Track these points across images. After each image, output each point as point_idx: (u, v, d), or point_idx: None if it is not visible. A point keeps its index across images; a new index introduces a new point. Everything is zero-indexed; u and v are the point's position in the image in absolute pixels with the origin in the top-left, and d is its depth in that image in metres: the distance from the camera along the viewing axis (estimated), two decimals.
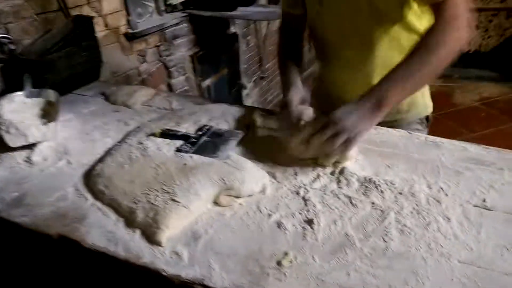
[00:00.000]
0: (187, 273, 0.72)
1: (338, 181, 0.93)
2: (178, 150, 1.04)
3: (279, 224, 0.82)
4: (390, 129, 1.11)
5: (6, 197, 0.95)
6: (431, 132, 1.25)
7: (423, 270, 0.69)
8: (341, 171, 0.95)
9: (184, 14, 2.41)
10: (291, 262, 0.73)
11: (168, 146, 1.06)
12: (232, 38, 2.96)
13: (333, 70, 1.32)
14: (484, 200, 0.83)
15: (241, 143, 1.10)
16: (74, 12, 1.78)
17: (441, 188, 0.88)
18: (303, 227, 0.81)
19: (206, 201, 0.88)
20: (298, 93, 1.14)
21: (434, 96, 1.29)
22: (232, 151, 1.05)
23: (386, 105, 0.93)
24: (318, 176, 0.96)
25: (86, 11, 1.85)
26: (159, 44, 2.29)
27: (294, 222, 0.82)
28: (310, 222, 0.82)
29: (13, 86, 1.35)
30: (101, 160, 1.05)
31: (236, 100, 3.08)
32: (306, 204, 0.87)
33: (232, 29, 2.96)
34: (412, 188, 0.88)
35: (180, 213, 0.83)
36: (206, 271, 0.72)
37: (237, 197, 0.90)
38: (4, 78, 1.52)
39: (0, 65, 1.51)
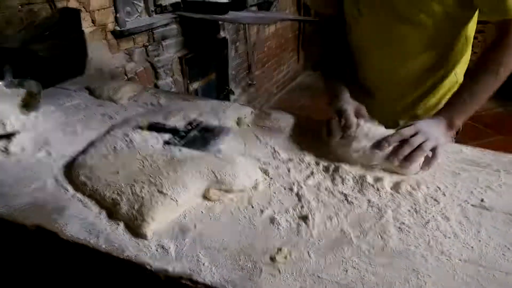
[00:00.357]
0: (174, 267, 0.67)
1: (333, 179, 0.90)
2: (166, 143, 0.99)
3: (272, 220, 0.78)
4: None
5: None
6: None
7: (424, 268, 0.66)
8: (336, 169, 0.92)
9: (174, 16, 2.37)
10: (285, 258, 0.69)
11: (155, 139, 1.01)
12: (221, 43, 2.94)
13: (366, 78, 1.29)
14: (482, 200, 0.81)
15: (232, 138, 1.06)
16: (61, 6, 1.73)
17: (439, 188, 0.85)
18: (297, 223, 0.77)
19: (195, 195, 0.83)
20: (351, 103, 1.05)
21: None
22: (223, 146, 1.01)
23: (456, 125, 0.96)
24: (312, 173, 0.92)
25: (73, 5, 1.80)
26: (147, 44, 2.24)
27: (288, 218, 0.78)
28: (304, 218, 0.78)
29: None
30: (83, 151, 1.00)
31: None
32: (300, 200, 0.83)
33: (222, 34, 2.94)
34: (409, 187, 0.85)
35: (167, 206, 0.79)
36: (194, 266, 0.67)
37: (228, 192, 0.86)
38: None
39: None
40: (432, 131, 0.90)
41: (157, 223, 0.76)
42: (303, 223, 0.77)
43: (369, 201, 0.82)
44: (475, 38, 1.26)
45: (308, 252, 0.70)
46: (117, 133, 1.04)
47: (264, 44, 3.73)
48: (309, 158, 0.98)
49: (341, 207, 0.81)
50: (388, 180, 0.87)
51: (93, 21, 1.92)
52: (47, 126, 1.15)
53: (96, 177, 0.87)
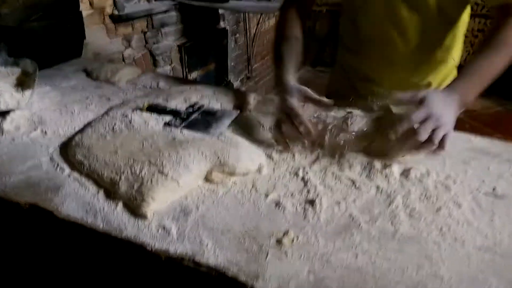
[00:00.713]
0: (176, 248, 0.64)
1: (340, 164, 0.87)
2: (167, 124, 0.96)
3: (277, 204, 0.75)
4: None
5: None
6: None
7: (437, 255, 0.63)
8: (342, 155, 0.89)
9: (174, 2, 2.33)
10: (292, 241, 0.66)
11: (155, 121, 0.98)
12: (221, 33, 2.89)
13: (368, 64, 1.26)
14: (494, 189, 0.79)
15: (234, 123, 1.03)
16: None
17: (449, 176, 0.83)
18: (303, 208, 0.74)
19: (197, 176, 0.80)
20: (295, 92, 0.97)
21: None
22: (226, 129, 0.98)
23: (469, 100, 0.89)
24: (318, 158, 0.89)
25: None
26: (146, 30, 2.20)
27: (294, 202, 0.75)
28: (311, 202, 0.75)
29: None
30: (80, 131, 0.96)
31: None
32: (306, 185, 0.80)
33: (222, 24, 2.90)
34: (419, 174, 0.83)
35: (168, 186, 0.75)
36: (197, 247, 0.64)
37: (231, 175, 0.83)
38: None
39: None
40: (445, 113, 0.81)
41: (158, 203, 0.73)
42: (310, 207, 0.74)
43: (377, 187, 0.79)
44: (475, 37, 1.24)
45: (316, 236, 0.67)
46: (116, 113, 1.01)
47: (264, 37, 3.69)
48: (313, 143, 0.94)
49: (349, 193, 0.78)
50: (397, 167, 0.85)
51: (91, 4, 1.87)
52: (43, 106, 1.11)
53: (94, 157, 0.84)
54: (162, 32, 2.30)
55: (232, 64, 3.22)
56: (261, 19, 3.49)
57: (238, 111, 1.09)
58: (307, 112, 0.95)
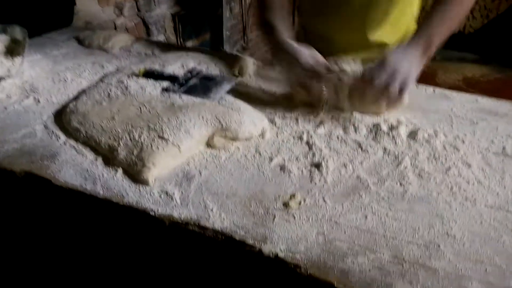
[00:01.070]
0: (180, 213, 0.62)
1: (344, 127, 0.84)
2: (165, 90, 0.92)
3: (282, 167, 0.73)
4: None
5: None
6: None
7: (449, 214, 0.61)
8: (347, 117, 0.87)
9: None
10: (299, 204, 0.64)
11: (152, 86, 0.94)
12: (216, 2, 2.80)
13: (331, 27, 1.22)
14: (504, 148, 0.77)
15: (234, 88, 0.99)
16: None
17: (457, 136, 0.80)
18: (309, 171, 0.72)
19: (198, 142, 0.77)
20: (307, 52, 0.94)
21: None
22: (226, 94, 0.94)
23: (432, 49, 0.90)
24: (322, 122, 0.87)
25: None
26: None
27: (300, 166, 0.73)
28: (317, 165, 0.73)
29: None
30: (75, 98, 0.92)
31: None
32: (311, 149, 0.78)
33: None
34: (426, 135, 0.80)
35: (169, 152, 0.73)
36: (202, 212, 0.62)
37: (233, 140, 0.80)
38: None
39: None
40: (404, 65, 0.84)
41: (159, 169, 0.70)
42: (316, 170, 0.72)
43: (384, 148, 0.77)
44: None
45: (324, 198, 0.65)
46: (111, 80, 0.97)
47: None
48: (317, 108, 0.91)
49: (355, 155, 0.76)
50: (404, 128, 0.82)
51: None
52: (34, 74, 1.07)
53: (90, 123, 0.80)
54: (155, 0, 2.22)
55: (227, 33, 3.13)
56: None
57: (238, 76, 1.06)
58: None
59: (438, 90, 1.00)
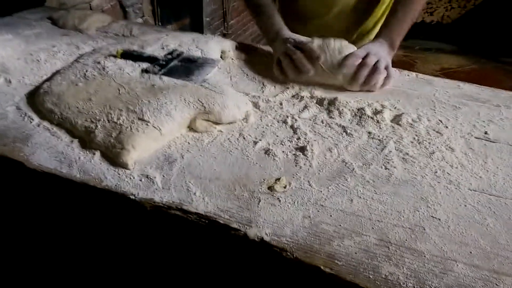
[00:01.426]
0: (162, 197, 0.60)
1: (329, 112, 0.83)
2: (145, 71, 0.89)
3: (267, 151, 0.71)
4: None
5: None
6: None
7: (433, 197, 0.61)
8: (331, 102, 0.86)
9: None
10: (284, 187, 0.63)
11: (131, 67, 0.90)
12: None
13: (304, 4, 1.25)
14: (486, 133, 0.77)
15: (217, 71, 0.97)
16: None
17: (440, 121, 0.81)
18: (294, 154, 0.71)
19: (180, 125, 0.75)
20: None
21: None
22: (209, 77, 0.92)
23: (396, 45, 1.02)
24: (306, 106, 0.85)
25: None
26: None
27: (284, 150, 0.72)
28: (302, 149, 0.72)
29: None
30: (49, 79, 0.88)
31: None
32: (295, 133, 0.77)
33: None
34: (410, 119, 0.80)
35: (149, 134, 0.70)
36: (184, 196, 0.60)
37: (216, 123, 0.78)
38: None
39: None
40: (380, 51, 0.94)
41: (139, 152, 0.68)
42: (301, 154, 0.70)
43: (369, 133, 0.77)
44: None
45: (309, 182, 0.64)
46: (87, 60, 0.93)
47: None
48: (301, 92, 0.90)
49: (340, 139, 0.75)
50: (388, 113, 0.82)
51: None
52: (4, 54, 1.01)
53: (65, 105, 0.77)
54: None
55: (207, 19, 3.07)
56: None
57: (220, 59, 1.03)
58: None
59: (421, 75, 1.00)
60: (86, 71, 0.87)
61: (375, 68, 0.90)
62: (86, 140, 0.70)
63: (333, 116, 0.82)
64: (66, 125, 0.74)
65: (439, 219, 0.57)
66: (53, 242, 0.82)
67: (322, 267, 0.50)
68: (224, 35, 3.42)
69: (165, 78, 0.86)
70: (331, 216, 0.58)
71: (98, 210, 0.67)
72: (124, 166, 0.65)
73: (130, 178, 0.63)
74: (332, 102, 0.86)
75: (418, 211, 0.59)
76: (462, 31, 3.53)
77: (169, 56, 0.96)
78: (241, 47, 1.12)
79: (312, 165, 0.68)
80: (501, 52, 3.50)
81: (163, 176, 0.64)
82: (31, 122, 0.76)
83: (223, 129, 0.77)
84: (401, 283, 0.48)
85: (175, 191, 0.61)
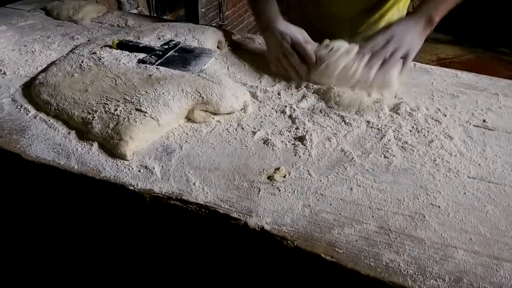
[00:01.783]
0: (161, 187, 0.59)
1: (327, 101, 0.83)
2: (141, 61, 0.88)
3: (265, 141, 0.71)
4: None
5: None
6: None
7: (432, 185, 0.61)
8: (328, 92, 0.85)
9: None
10: (284, 177, 0.62)
11: (127, 58, 0.89)
12: None
13: (320, 19, 1.19)
14: (484, 121, 0.78)
15: (215, 61, 0.96)
16: None
17: (439, 109, 0.81)
18: (293, 144, 0.70)
19: (178, 115, 0.74)
20: (295, 29, 0.95)
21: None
22: (206, 67, 0.91)
23: (435, 21, 0.93)
24: (304, 96, 0.85)
25: None
26: None
27: (283, 139, 0.72)
28: (301, 139, 0.71)
29: None
30: (44, 70, 0.87)
31: None
32: (294, 123, 0.76)
33: None
34: (408, 108, 0.80)
35: (147, 125, 0.69)
36: (184, 186, 0.60)
37: (215, 114, 0.78)
38: None
39: None
40: (407, 34, 0.88)
41: (137, 143, 0.67)
42: (300, 144, 0.70)
43: (368, 122, 0.77)
44: None
45: (308, 171, 0.64)
46: (83, 51, 0.91)
47: None
48: (299, 82, 0.90)
49: (339, 128, 0.75)
50: (387, 102, 0.82)
51: None
52: None
53: (62, 96, 0.76)
54: None
55: (203, 10, 3.05)
56: None
57: (217, 49, 1.02)
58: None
59: (419, 64, 1.00)
60: (82, 61, 0.86)
61: (391, 57, 0.84)
62: (83, 131, 0.70)
63: (331, 106, 0.82)
64: (63, 117, 0.73)
65: (439, 207, 0.58)
66: (52, 234, 0.81)
67: (323, 255, 0.50)
68: (220, 26, 3.40)
69: (162, 68, 0.85)
70: (331, 204, 0.58)
71: (97, 202, 0.67)
72: (122, 157, 0.64)
73: (129, 169, 0.63)
74: (329, 91, 0.85)
75: (418, 199, 0.59)
76: (458, 21, 3.53)
77: (166, 47, 0.95)
78: (238, 38, 1.11)
79: (311, 154, 0.68)
80: (498, 42, 3.50)
81: (162, 166, 0.64)
82: (27, 114, 0.75)
83: (221, 119, 0.77)
84: (402, 270, 0.48)
85: (174, 182, 0.60)
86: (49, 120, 0.73)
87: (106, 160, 0.64)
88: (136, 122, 0.69)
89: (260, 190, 0.60)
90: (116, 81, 0.79)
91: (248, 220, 0.55)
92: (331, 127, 0.75)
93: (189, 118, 0.76)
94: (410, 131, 0.74)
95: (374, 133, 0.74)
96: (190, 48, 0.97)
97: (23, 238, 0.88)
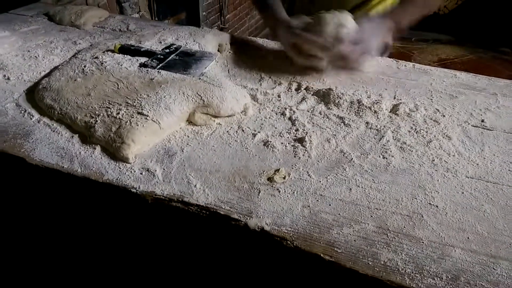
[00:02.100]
0: (163, 190, 0.60)
1: (326, 103, 0.84)
2: (143, 65, 0.89)
3: (266, 143, 0.72)
4: (376, 57, 1.03)
5: None
6: None
7: (431, 185, 0.62)
8: (328, 93, 0.86)
9: None
10: (284, 178, 0.63)
11: (129, 62, 0.90)
12: None
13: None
14: (482, 121, 0.78)
15: (215, 64, 0.97)
16: None
17: (437, 110, 0.81)
18: (293, 146, 0.71)
19: (179, 118, 0.75)
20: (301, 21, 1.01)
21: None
22: (207, 70, 0.92)
23: (400, 29, 0.99)
24: (304, 98, 0.86)
25: None
26: None
27: (283, 141, 0.72)
28: (301, 140, 0.72)
29: None
30: (47, 75, 0.88)
31: None
32: (294, 124, 0.77)
33: None
34: (407, 109, 0.81)
35: (149, 128, 0.70)
36: (185, 188, 0.61)
37: (215, 116, 0.79)
38: None
39: None
40: (372, 38, 0.93)
41: (139, 146, 0.68)
42: (300, 146, 0.71)
43: (367, 123, 0.77)
44: None
45: (308, 172, 0.65)
46: (85, 56, 0.93)
47: None
48: (299, 84, 0.91)
49: (338, 130, 0.76)
50: (385, 103, 0.82)
51: None
52: (2, 51, 1.01)
53: (64, 100, 0.77)
54: None
55: (204, 13, 3.07)
56: None
57: (218, 53, 1.03)
58: None
59: (418, 65, 1.00)
60: (85, 66, 0.87)
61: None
62: (86, 135, 0.71)
63: (330, 107, 0.82)
64: (66, 121, 0.74)
65: (437, 206, 0.58)
66: (56, 237, 0.82)
67: (321, 255, 0.51)
68: (221, 29, 3.41)
69: (163, 72, 0.86)
70: (330, 205, 0.58)
71: (100, 204, 0.68)
72: (124, 160, 0.65)
73: (131, 171, 0.64)
74: (328, 93, 0.86)
75: (416, 198, 0.60)
76: (459, 21, 3.53)
77: (167, 50, 0.96)
78: (238, 40, 1.12)
79: (311, 155, 0.69)
80: (499, 42, 3.50)
81: (164, 169, 0.65)
82: (31, 119, 0.76)
83: (222, 122, 0.78)
84: (400, 269, 0.49)
85: (175, 184, 0.61)
86: (53, 124, 0.74)
87: (108, 163, 0.65)
88: (138, 125, 0.70)
89: (260, 192, 0.61)
90: (118, 85, 0.80)
91: (248, 221, 0.55)
92: (330, 129, 0.76)
93: (190, 121, 0.78)
94: (409, 131, 0.75)
95: (373, 134, 0.75)
96: (191, 51, 0.98)
97: (27, 240, 0.89)
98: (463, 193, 0.61)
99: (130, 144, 0.67)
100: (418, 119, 0.78)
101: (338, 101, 0.83)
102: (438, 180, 0.63)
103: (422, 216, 0.57)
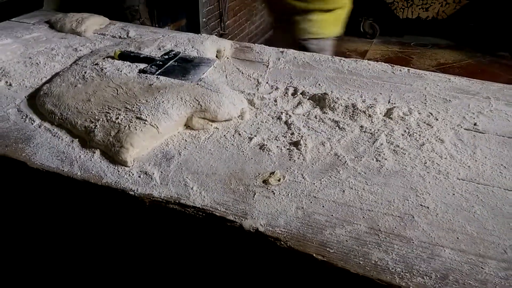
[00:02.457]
0: (160, 192, 0.62)
1: (322, 107, 0.85)
2: (142, 71, 0.91)
3: (262, 146, 0.73)
4: (371, 62, 1.05)
5: None
6: None
7: (422, 187, 0.63)
8: (324, 98, 0.88)
9: None
10: (278, 180, 0.65)
11: (129, 68, 0.92)
12: None
13: None
14: (475, 124, 0.80)
15: (213, 70, 0.99)
16: None
17: (431, 114, 0.83)
18: (288, 149, 0.73)
19: (177, 123, 0.77)
20: None
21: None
22: (205, 76, 0.94)
23: None
24: (300, 103, 0.87)
25: None
26: None
27: (279, 145, 0.74)
28: (296, 144, 0.74)
29: None
30: (48, 81, 0.90)
31: None
32: (289, 128, 0.79)
33: None
34: (401, 113, 0.82)
35: (147, 132, 0.72)
36: (182, 190, 0.62)
37: (213, 121, 0.80)
38: None
39: None
40: None
41: (138, 150, 0.70)
42: (295, 149, 0.72)
43: (361, 127, 0.79)
44: None
45: (302, 175, 0.66)
46: (86, 62, 0.95)
47: None
48: (295, 89, 0.92)
49: (333, 133, 0.77)
50: (380, 107, 0.84)
51: None
52: (4, 58, 1.03)
53: (65, 106, 0.79)
54: None
55: (204, 20, 3.09)
56: None
57: (216, 58, 1.05)
58: None
59: (413, 70, 1.02)
60: (85, 72, 0.89)
61: None
62: (86, 140, 0.73)
63: (326, 112, 0.84)
64: (66, 126, 0.76)
65: (428, 207, 0.59)
66: (55, 239, 0.84)
67: (314, 255, 0.52)
68: (221, 35, 3.44)
69: (162, 78, 0.88)
70: (323, 206, 0.60)
71: (99, 206, 0.69)
72: (123, 163, 0.67)
73: (129, 175, 0.65)
74: (324, 98, 0.88)
75: (408, 200, 0.61)
76: (458, 26, 3.55)
77: (166, 57, 0.98)
78: (236, 46, 1.14)
79: (306, 159, 0.70)
80: (497, 46, 3.52)
81: (161, 172, 0.66)
82: (32, 124, 0.78)
83: (219, 126, 0.80)
84: (390, 268, 0.50)
85: (173, 186, 0.63)
86: (53, 129, 0.76)
87: (107, 166, 0.67)
88: (136, 130, 0.71)
89: (255, 194, 0.62)
90: (117, 90, 0.82)
91: (243, 222, 0.57)
92: (325, 132, 0.78)
93: (188, 126, 0.79)
94: (402, 135, 0.76)
95: (367, 137, 0.76)
96: (189, 57, 1.00)
97: (28, 242, 0.90)
98: (454, 194, 0.62)
99: (129, 148, 0.68)
100: (411, 123, 0.80)
101: (333, 105, 0.85)
102: (429, 182, 0.64)
103: (413, 217, 0.58)
